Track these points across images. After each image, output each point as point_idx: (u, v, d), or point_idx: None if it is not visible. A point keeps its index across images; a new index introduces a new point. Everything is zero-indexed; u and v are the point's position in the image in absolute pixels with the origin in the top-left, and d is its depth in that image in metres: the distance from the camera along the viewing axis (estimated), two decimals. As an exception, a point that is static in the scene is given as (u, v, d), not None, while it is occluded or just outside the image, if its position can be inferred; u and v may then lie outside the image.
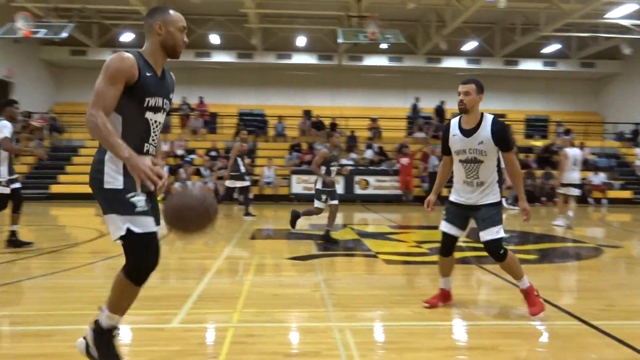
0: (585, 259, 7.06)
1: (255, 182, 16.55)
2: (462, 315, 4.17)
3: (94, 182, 2.55)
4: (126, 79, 2.46)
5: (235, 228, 9.66)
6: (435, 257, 6.66)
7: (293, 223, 8.11)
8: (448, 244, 4.16)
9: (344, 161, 17.35)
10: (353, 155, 17.66)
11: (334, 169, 7.65)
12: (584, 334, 3.65)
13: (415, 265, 6.36)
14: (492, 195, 3.93)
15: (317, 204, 7.67)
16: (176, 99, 20.46)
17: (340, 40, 15.45)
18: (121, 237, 2.50)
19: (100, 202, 2.56)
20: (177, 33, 2.66)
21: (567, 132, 19.57)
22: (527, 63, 22.49)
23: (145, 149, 2.63)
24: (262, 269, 6.04)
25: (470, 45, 21.52)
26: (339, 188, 16.08)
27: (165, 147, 17.65)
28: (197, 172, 16.62)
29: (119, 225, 2.49)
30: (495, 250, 3.94)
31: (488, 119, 3.94)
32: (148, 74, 2.56)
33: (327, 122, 20.26)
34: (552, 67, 22.57)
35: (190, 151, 18.08)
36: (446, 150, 4.14)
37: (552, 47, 21.50)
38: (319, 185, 7.65)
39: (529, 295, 3.99)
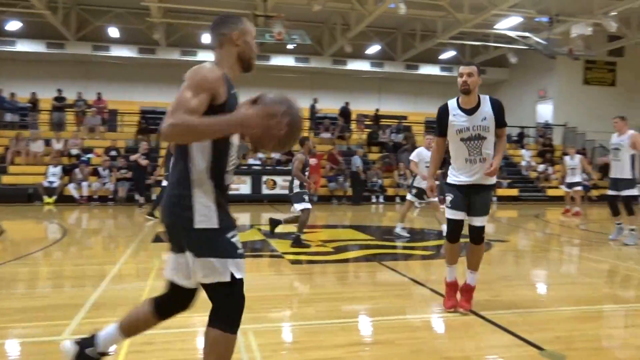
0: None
1: (159, 183, 15.98)
2: (364, 311, 4.32)
3: (179, 221, 2.17)
4: (212, 93, 2.09)
5: (136, 231, 9.27)
6: (340, 256, 6.86)
7: (273, 228, 8.33)
8: (457, 230, 4.19)
9: (250, 161, 17.24)
10: (260, 155, 17.59)
11: (306, 173, 7.78)
12: (473, 323, 3.92)
13: (321, 264, 6.47)
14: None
15: (300, 206, 7.60)
16: (71, 94, 19.29)
17: (246, 39, 15.31)
18: (219, 283, 2.16)
19: (186, 243, 2.19)
20: (254, 44, 2.39)
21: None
22: (426, 68, 23.69)
23: (230, 178, 2.29)
24: (162, 273, 5.84)
25: (373, 49, 22.27)
26: (246, 188, 16.03)
27: (57, 146, 16.51)
28: (95, 173, 15.69)
29: (219, 270, 2.15)
30: (481, 235, 4.19)
31: (486, 97, 4.16)
32: (232, 92, 2.22)
33: (234, 121, 20.02)
34: (449, 73, 23.94)
35: (87, 150, 17.03)
36: (443, 132, 4.20)
37: (449, 54, 22.82)
38: (297, 189, 7.69)
39: (470, 292, 4.24)
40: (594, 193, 17.84)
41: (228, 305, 2.22)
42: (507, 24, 17.66)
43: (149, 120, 19.42)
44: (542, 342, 3.43)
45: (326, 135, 19.89)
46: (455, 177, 4.17)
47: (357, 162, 17.03)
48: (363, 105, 22.51)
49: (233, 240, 2.22)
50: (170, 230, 2.25)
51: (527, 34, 18.19)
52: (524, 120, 22.80)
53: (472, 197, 4.11)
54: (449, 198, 4.18)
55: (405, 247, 7.88)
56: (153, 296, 2.46)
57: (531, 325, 3.85)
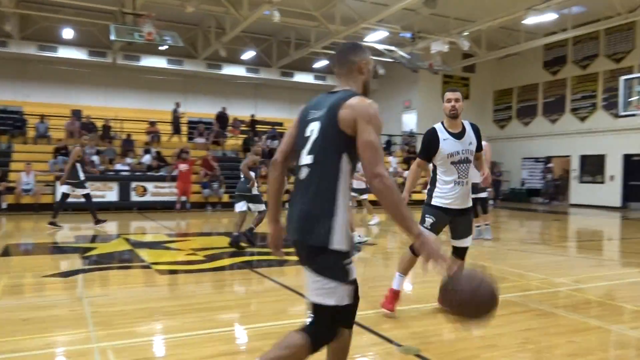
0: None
1: (11, 190, 14.45)
2: (234, 320, 4.28)
3: (314, 240, 2.18)
4: None
5: (-19, 245, 8.29)
6: (212, 264, 6.73)
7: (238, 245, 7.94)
8: None
9: (118, 166, 16.29)
10: (129, 160, 16.69)
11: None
12: (339, 325, 4.07)
13: (190, 274, 6.30)
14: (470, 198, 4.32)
15: (260, 207, 8.03)
16: None
17: (113, 37, 14.46)
18: (328, 306, 2.17)
19: (314, 259, 2.20)
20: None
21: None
22: (301, 75, 24.22)
23: None
24: (12, 291, 5.29)
25: (249, 55, 22.25)
26: (113, 195, 15.11)
27: None
28: None
29: (341, 294, 2.18)
30: (465, 254, 4.39)
31: (467, 122, 4.30)
32: None
33: (99, 123, 18.77)
34: (322, 81, 24.72)
35: None
36: (430, 156, 4.23)
37: (322, 63, 23.55)
38: (256, 191, 8.06)
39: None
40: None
41: (326, 327, 2.28)
42: (375, 38, 18.68)
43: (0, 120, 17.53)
44: (400, 339, 3.67)
45: (200, 140, 19.45)
46: (442, 199, 4.23)
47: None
48: (239, 111, 22.37)
49: (350, 266, 2.25)
50: (304, 245, 2.24)
51: (393, 48, 19.40)
52: (391, 129, 24.25)
53: (457, 220, 4.26)
54: (429, 220, 4.24)
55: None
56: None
57: (391, 323, 4.10)
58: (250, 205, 8.09)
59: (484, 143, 9.20)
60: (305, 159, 2.27)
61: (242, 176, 8.10)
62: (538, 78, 22.95)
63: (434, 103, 23.79)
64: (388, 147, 23.22)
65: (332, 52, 19.27)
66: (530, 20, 16.32)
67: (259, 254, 7.76)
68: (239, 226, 8.04)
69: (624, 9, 16.06)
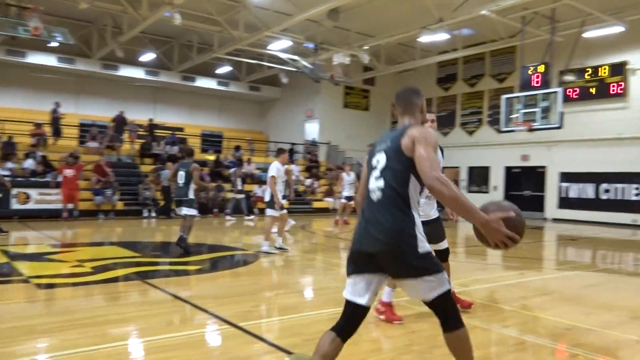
0: (243, 266, 7.82)
1: None
2: (121, 335, 4.06)
3: (404, 249, 2.52)
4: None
5: None
6: (99, 276, 6.35)
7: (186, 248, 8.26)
8: None
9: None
10: (10, 164, 15.32)
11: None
12: (231, 335, 4.02)
13: (75, 287, 5.89)
14: None
15: (192, 212, 8.39)
16: None
17: (-7, 30, 13.28)
18: (444, 293, 2.55)
19: (409, 266, 2.53)
20: None
21: (237, 148, 21.41)
22: (203, 80, 23.75)
23: None
24: None
25: (148, 57, 21.41)
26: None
27: None
28: None
29: (444, 282, 2.56)
30: (446, 255, 4.83)
31: None
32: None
33: (-24, 123, 17.10)
34: (225, 87, 24.44)
35: None
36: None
37: (225, 69, 23.27)
38: (192, 195, 8.31)
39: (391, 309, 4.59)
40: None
41: (452, 308, 2.63)
42: (279, 46, 18.80)
43: None
44: (291, 346, 3.69)
45: (93, 144, 18.35)
46: (421, 212, 4.31)
47: (165, 175, 16.40)
48: (136, 114, 21.42)
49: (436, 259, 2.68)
50: (394, 257, 2.54)
51: (296, 58, 19.64)
52: (293, 138, 24.47)
53: (432, 228, 4.46)
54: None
55: (174, 263, 7.70)
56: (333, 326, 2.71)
57: (285, 331, 4.11)
58: (184, 208, 8.35)
59: None
60: (377, 182, 2.66)
61: (179, 182, 8.39)
62: (432, 93, 24.34)
63: (335, 113, 24.40)
64: (290, 156, 23.40)
65: (237, 58, 19.00)
66: (425, 38, 17.31)
67: (153, 264, 7.46)
68: (187, 229, 8.36)
69: (506, 34, 17.55)
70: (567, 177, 19.18)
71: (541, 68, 14.53)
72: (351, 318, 2.70)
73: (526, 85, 14.78)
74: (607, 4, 15.20)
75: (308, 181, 21.20)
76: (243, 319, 4.39)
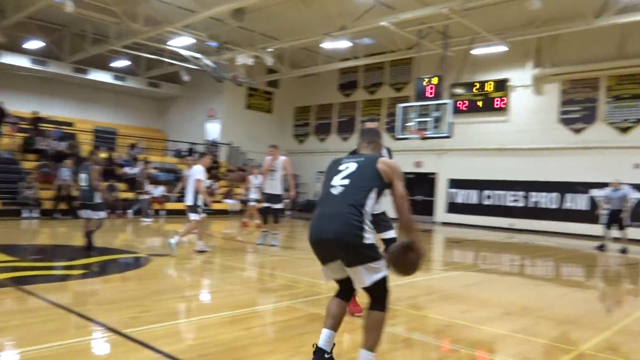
0: (133, 269, 7.47)
1: None
2: (-15, 346, 3.72)
3: (353, 239, 3.09)
4: None
5: None
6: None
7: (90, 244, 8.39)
8: None
9: None
10: None
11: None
12: (116, 344, 3.83)
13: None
14: None
15: (99, 214, 8.46)
16: None
17: None
18: (381, 279, 3.17)
19: (356, 254, 3.10)
20: None
21: (133, 146, 20.46)
22: (97, 74, 22.42)
23: None
24: None
25: (35, 44, 19.79)
26: None
27: None
28: None
29: (383, 268, 3.17)
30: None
31: None
32: None
33: None
34: (122, 82, 23.25)
35: None
36: None
37: (122, 62, 22.15)
38: (98, 199, 8.35)
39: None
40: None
41: (384, 293, 3.27)
42: (180, 43, 18.25)
43: None
44: (178, 352, 3.59)
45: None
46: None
47: (64, 174, 15.42)
48: (19, 106, 19.71)
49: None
50: (348, 244, 3.10)
51: (198, 56, 19.18)
52: (194, 137, 23.86)
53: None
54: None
55: (56, 267, 7.18)
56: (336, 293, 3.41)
57: (173, 336, 4.00)
58: (90, 212, 8.38)
59: (282, 157, 9.99)
60: (342, 181, 3.26)
61: (82, 184, 8.33)
62: (334, 99, 24.92)
63: (238, 114, 24.15)
64: (191, 155, 22.76)
65: (135, 52, 18.21)
66: (327, 45, 17.69)
67: (32, 269, 6.91)
68: (87, 229, 8.44)
69: (404, 45, 18.44)
70: (455, 183, 20.52)
71: (434, 80, 15.41)
72: (345, 286, 3.37)
73: (421, 95, 15.59)
74: (493, 25, 16.49)
75: (208, 182, 20.74)
76: (128, 325, 4.20)
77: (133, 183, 17.97)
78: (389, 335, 4.34)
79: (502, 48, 17.01)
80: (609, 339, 4.70)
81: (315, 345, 3.26)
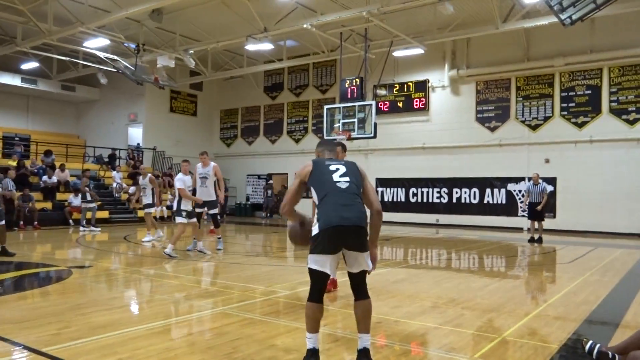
0: (53, 283, 7.05)
1: None
2: None
3: (365, 226, 3.53)
4: None
5: None
6: None
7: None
8: None
9: None
10: None
11: None
12: (34, 364, 3.58)
13: None
14: None
15: None
16: None
17: None
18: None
19: (365, 241, 3.53)
20: None
21: (48, 152, 19.30)
22: (5, 77, 20.99)
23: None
24: None
25: None
26: None
27: None
28: None
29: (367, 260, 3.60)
30: None
31: None
32: None
33: None
34: (33, 85, 21.90)
35: None
36: None
37: (32, 64, 20.85)
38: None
39: None
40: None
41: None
42: (95, 44, 17.45)
43: None
44: (105, 369, 3.42)
45: None
46: None
47: (9, 184, 14.60)
48: None
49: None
50: (362, 231, 3.51)
51: (116, 57, 18.41)
52: (115, 142, 22.89)
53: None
54: None
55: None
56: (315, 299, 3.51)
57: (98, 351, 3.80)
58: None
59: (213, 164, 10.06)
60: (342, 178, 3.61)
61: None
62: (260, 101, 24.79)
63: (161, 117, 23.45)
64: (112, 162, 21.82)
65: (46, 54, 17.26)
66: (250, 47, 17.58)
67: None
68: None
69: (328, 48, 18.67)
70: (382, 182, 21.04)
71: (356, 82, 15.72)
72: (324, 286, 3.57)
73: (345, 97, 15.85)
74: (411, 28, 17.10)
75: (132, 188, 19.93)
76: (48, 343, 3.94)
77: (49, 192, 16.96)
78: (324, 335, 4.38)
79: (420, 50, 17.65)
80: (528, 324, 5.00)
81: (308, 352, 3.49)
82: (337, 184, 3.56)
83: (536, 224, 13.60)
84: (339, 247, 3.46)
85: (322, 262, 3.44)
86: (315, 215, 3.52)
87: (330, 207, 3.48)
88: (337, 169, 3.66)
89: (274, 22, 15.75)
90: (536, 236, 13.52)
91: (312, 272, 3.49)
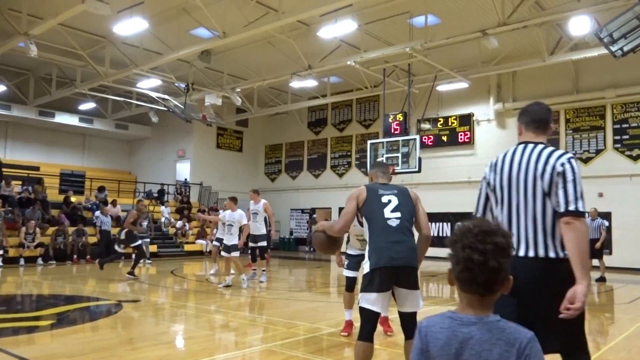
0: (104, 317, 7.23)
1: None
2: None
3: (416, 264, 3.56)
4: None
5: None
6: None
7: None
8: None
9: None
10: None
11: None
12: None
13: None
14: None
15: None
16: None
17: None
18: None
19: (417, 278, 3.53)
20: None
21: (101, 188, 20.08)
22: (64, 117, 22.16)
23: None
24: None
25: (-1, 89, 19.52)
26: None
27: None
28: None
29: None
30: None
31: None
32: None
33: None
34: (89, 124, 23.02)
35: None
36: None
37: (89, 105, 21.97)
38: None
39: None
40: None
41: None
42: (148, 85, 18.25)
43: None
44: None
45: None
46: None
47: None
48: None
49: None
50: (412, 270, 3.53)
51: (166, 97, 19.19)
52: (164, 178, 23.61)
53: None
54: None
55: (22, 319, 6.87)
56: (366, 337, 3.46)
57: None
58: None
59: (263, 201, 10.54)
60: (393, 214, 3.60)
61: None
62: (304, 136, 25.14)
63: (208, 153, 24.08)
64: (161, 197, 22.46)
65: (102, 95, 18.16)
66: (295, 84, 17.97)
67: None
68: None
69: (371, 83, 18.86)
70: (428, 216, 20.62)
71: (400, 116, 15.74)
72: (375, 325, 3.49)
73: (388, 131, 15.88)
74: (454, 62, 17.09)
75: (179, 223, 20.44)
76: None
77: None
78: None
79: (464, 84, 17.56)
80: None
81: None
82: (388, 222, 3.55)
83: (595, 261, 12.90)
84: (390, 285, 3.47)
85: (372, 301, 3.43)
86: (367, 252, 3.54)
87: (380, 246, 3.49)
88: (389, 202, 3.63)
89: (318, 60, 16.09)
90: (597, 275, 12.84)
91: (362, 310, 3.46)
